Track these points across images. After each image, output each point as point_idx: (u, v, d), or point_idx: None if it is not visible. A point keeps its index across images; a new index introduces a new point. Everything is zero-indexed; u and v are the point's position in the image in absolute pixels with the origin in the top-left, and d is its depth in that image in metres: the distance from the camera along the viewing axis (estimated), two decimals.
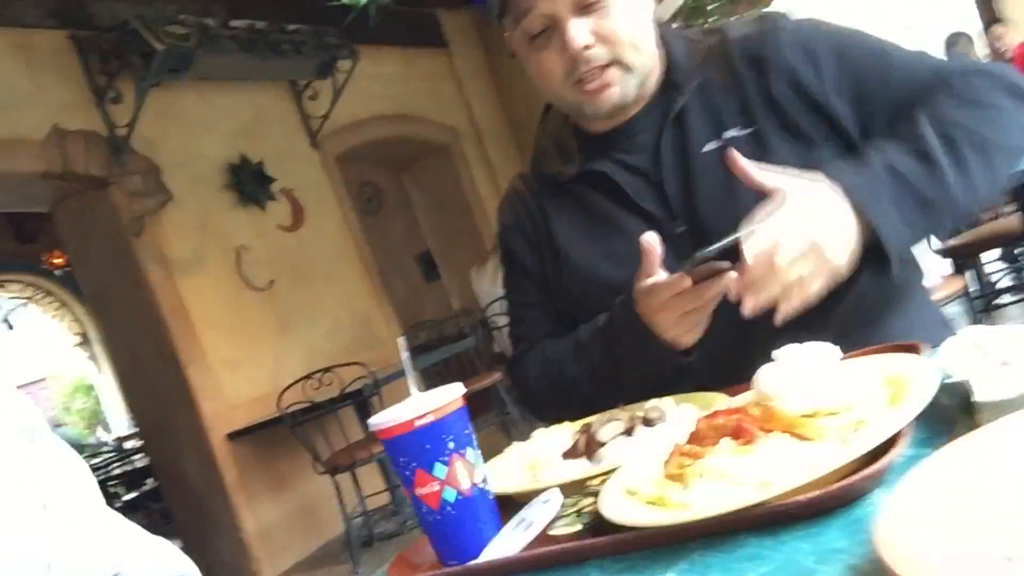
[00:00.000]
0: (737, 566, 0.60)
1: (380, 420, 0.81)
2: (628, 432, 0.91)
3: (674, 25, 1.29)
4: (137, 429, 5.40)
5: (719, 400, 0.93)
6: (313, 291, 5.52)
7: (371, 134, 6.48)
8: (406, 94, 6.76)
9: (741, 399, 0.85)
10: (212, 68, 4.81)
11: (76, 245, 5.04)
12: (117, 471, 6.15)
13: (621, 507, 0.71)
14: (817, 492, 0.61)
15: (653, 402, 0.98)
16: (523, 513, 0.82)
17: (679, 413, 0.94)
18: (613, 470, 0.82)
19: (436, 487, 0.80)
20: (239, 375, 4.94)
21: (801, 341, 0.81)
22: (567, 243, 1.30)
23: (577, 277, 1.28)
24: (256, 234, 5.31)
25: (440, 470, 0.80)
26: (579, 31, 1.14)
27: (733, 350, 1.07)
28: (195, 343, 4.80)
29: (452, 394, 0.82)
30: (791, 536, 0.61)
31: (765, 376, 0.80)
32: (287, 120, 5.76)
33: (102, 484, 6.05)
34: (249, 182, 5.30)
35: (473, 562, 0.79)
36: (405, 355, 0.83)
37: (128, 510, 5.61)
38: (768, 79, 1.17)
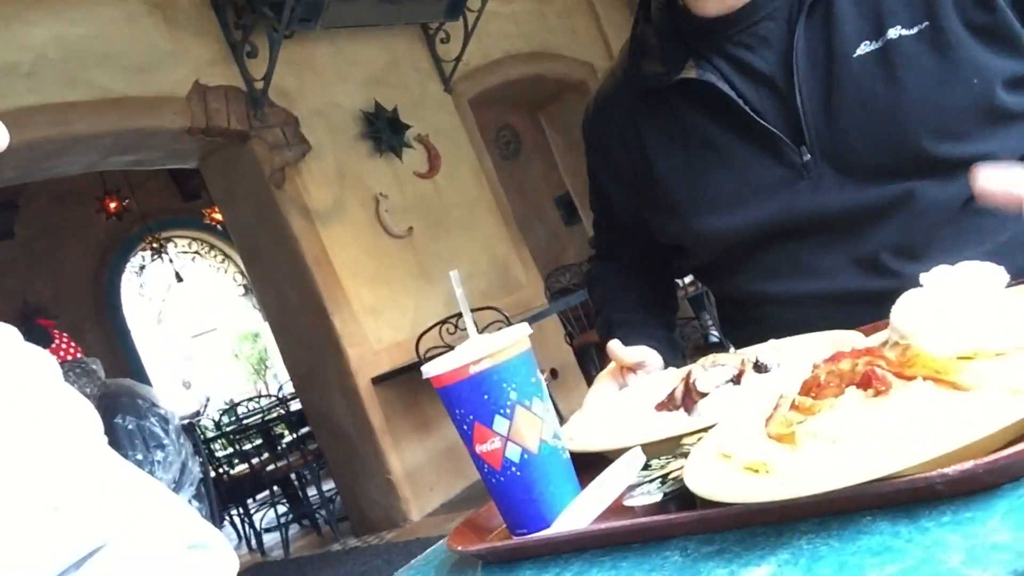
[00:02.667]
0: (856, 560, 0.44)
1: (433, 367, 0.70)
2: (736, 380, 0.75)
3: None
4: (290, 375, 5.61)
5: (853, 340, 0.76)
6: (451, 237, 5.51)
7: (505, 75, 6.34)
8: (540, 31, 6.57)
9: (876, 338, 0.67)
10: (342, 15, 4.80)
11: (225, 199, 5.21)
12: (274, 414, 6.43)
13: (709, 475, 0.56)
14: (973, 462, 0.44)
15: (770, 343, 0.82)
16: (604, 475, 0.69)
17: (802, 356, 0.77)
18: (712, 427, 0.67)
19: (497, 443, 0.68)
20: (381, 321, 5.01)
21: (955, 261, 0.63)
22: (663, 171, 1.06)
23: (668, 220, 1.07)
24: (393, 182, 5.32)
25: (501, 424, 0.68)
26: None
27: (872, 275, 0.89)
28: (339, 291, 4.90)
29: (514, 336, 0.70)
30: (933, 522, 0.45)
31: (906, 306, 0.62)
32: (420, 65, 5.71)
33: (265, 426, 6.35)
34: (384, 130, 5.31)
35: (541, 533, 0.67)
36: (459, 292, 0.71)
37: (289, 451, 5.87)
38: None
